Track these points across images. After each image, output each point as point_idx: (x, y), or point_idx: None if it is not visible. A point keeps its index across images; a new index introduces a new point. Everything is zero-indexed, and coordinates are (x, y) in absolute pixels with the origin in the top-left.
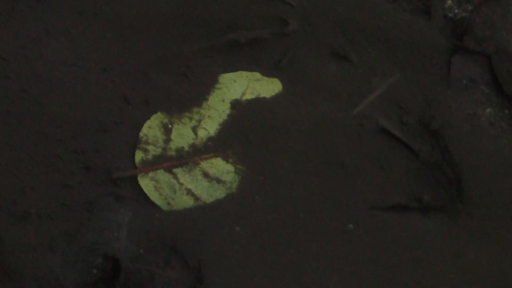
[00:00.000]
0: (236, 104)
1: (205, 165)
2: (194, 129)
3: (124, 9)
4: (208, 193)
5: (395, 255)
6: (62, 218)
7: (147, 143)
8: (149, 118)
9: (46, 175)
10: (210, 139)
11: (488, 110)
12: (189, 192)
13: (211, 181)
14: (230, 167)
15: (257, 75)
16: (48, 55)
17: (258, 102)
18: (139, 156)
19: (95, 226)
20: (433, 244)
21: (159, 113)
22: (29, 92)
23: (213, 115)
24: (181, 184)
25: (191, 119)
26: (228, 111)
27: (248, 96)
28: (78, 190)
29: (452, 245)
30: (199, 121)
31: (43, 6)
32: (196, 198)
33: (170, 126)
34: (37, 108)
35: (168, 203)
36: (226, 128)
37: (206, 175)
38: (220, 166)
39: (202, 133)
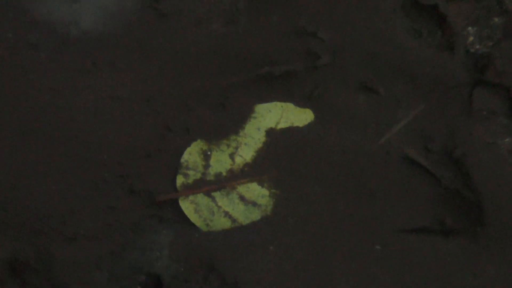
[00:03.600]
0: (270, 133)
1: (241, 189)
2: (232, 156)
3: (166, 43)
4: (245, 215)
5: (419, 274)
6: (108, 238)
7: (187, 168)
8: (189, 145)
9: (93, 198)
10: (246, 165)
11: (507, 139)
12: (226, 214)
13: (247, 204)
14: (265, 191)
15: (291, 105)
16: (95, 86)
17: (291, 130)
18: (180, 180)
19: (139, 246)
20: (454, 264)
21: (198, 140)
22: (78, 120)
23: (249, 142)
24: (219, 207)
25: (228, 146)
26: (263, 139)
27: (282, 125)
28: (123, 212)
29: (473, 265)
30: (236, 148)
31: (91, 41)
32: (233, 220)
33: (209, 153)
34: (85, 135)
35: (207, 225)
36: (261, 155)
37: (242, 198)
38: (255, 191)
39: (239, 160)
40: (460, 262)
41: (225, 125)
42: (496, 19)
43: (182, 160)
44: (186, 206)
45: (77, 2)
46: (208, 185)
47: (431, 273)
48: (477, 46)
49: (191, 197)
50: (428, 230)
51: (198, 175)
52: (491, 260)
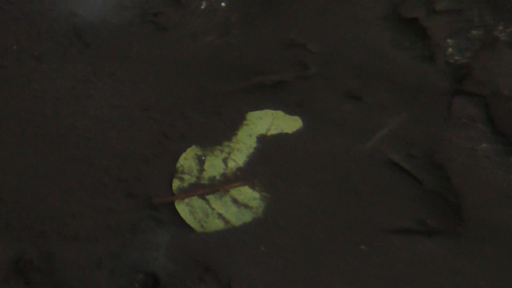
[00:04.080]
0: (262, 139)
1: (234, 192)
2: (225, 161)
3: (164, 54)
4: (237, 217)
5: (402, 272)
6: (108, 239)
7: (183, 172)
8: (185, 151)
9: (94, 201)
10: (238, 169)
11: (484, 145)
12: (220, 216)
13: (240, 207)
14: (256, 194)
15: (281, 113)
16: (96, 95)
17: (281, 137)
18: (176, 184)
19: (137, 246)
20: (435, 263)
21: (193, 146)
22: (79, 127)
23: (241, 148)
24: (213, 209)
25: (222, 151)
26: (254, 144)
27: (273, 132)
28: (122, 214)
29: (453, 264)
30: (229, 153)
31: (92, 51)
32: (226, 222)
33: (203, 158)
34: (86, 141)
35: (202, 226)
36: (253, 159)
37: (235, 201)
38: (247, 193)
39: (231, 164)
40: (441, 261)
41: (218, 131)
42: (474, 32)
43: (177, 165)
44: (182, 208)
45: (78, 15)
46: (203, 189)
47: (413, 271)
48: (456, 57)
49: (186, 200)
50: (410, 230)
51: (193, 179)
52: (471, 258)
